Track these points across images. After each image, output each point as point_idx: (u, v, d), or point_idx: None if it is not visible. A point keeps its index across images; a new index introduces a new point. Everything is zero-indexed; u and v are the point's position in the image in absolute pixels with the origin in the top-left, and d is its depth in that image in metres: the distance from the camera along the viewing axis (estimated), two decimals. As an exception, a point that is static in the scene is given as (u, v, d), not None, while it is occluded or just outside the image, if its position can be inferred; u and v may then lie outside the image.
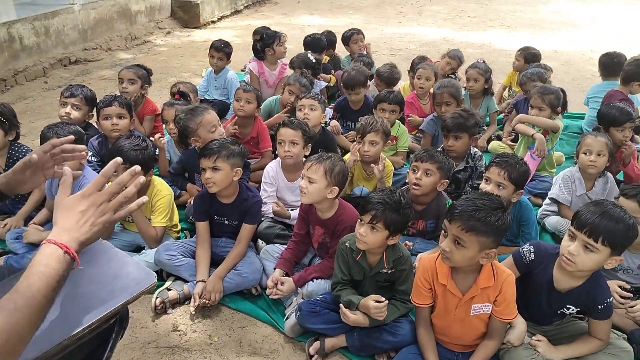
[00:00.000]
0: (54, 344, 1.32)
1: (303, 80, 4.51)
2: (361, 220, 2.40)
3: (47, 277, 1.17)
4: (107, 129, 3.63)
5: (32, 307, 1.13)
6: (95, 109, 3.83)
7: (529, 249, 2.37)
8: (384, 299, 2.38)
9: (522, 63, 5.61)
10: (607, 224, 2.09)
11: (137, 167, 1.44)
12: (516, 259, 2.40)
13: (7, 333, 1.08)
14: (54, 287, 1.18)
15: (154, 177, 3.14)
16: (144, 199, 1.44)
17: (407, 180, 3.19)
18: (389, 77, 4.92)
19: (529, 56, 5.58)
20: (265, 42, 5.34)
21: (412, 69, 5.15)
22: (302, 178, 2.78)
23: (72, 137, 1.87)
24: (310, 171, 2.73)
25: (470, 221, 2.01)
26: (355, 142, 3.46)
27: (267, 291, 2.80)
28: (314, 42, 5.77)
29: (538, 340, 2.33)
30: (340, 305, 2.47)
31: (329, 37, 6.27)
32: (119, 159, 1.46)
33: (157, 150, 3.77)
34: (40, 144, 3.10)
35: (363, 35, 6.16)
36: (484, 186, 2.99)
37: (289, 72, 5.33)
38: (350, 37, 6.10)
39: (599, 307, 2.26)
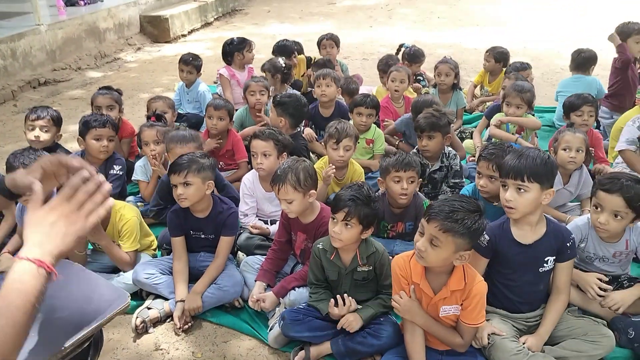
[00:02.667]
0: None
1: (259, 78, 4.71)
2: (334, 219, 2.41)
3: (24, 294, 1.13)
4: (96, 149, 3.58)
5: (13, 325, 1.11)
6: (60, 128, 3.81)
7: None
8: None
9: (492, 63, 5.73)
10: (526, 163, 2.33)
11: (102, 176, 1.37)
12: (475, 247, 2.41)
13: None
14: (33, 303, 1.15)
15: (115, 202, 3.03)
16: (111, 201, 1.37)
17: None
18: (347, 89, 4.94)
19: (498, 55, 5.69)
20: (235, 46, 5.48)
21: (385, 71, 5.16)
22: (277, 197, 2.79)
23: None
24: (281, 194, 2.73)
25: (448, 222, 2.03)
26: (328, 169, 3.39)
27: (250, 305, 2.77)
28: (281, 48, 5.80)
29: (524, 343, 2.35)
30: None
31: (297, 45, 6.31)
32: (85, 173, 1.39)
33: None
34: (7, 173, 3.01)
35: (334, 42, 6.18)
36: (477, 181, 3.08)
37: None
38: (320, 42, 6.16)
39: (567, 244, 2.42)
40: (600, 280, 2.55)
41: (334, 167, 3.41)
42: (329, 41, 6.12)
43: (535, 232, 2.41)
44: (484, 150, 3.13)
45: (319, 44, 6.20)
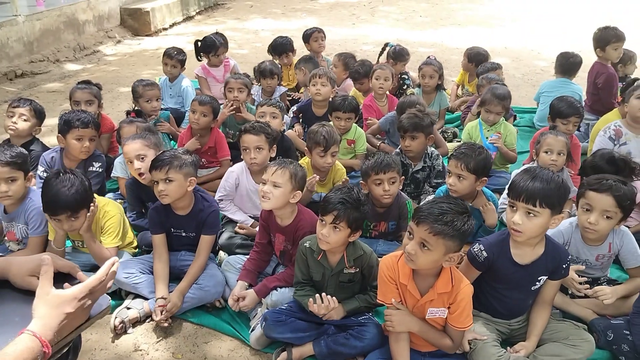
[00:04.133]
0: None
1: (238, 75, 4.71)
2: (322, 221, 2.39)
3: None
4: (77, 150, 3.49)
5: None
6: (41, 122, 3.73)
7: (479, 248, 2.41)
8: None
9: (465, 62, 5.82)
10: (540, 187, 2.21)
11: (115, 259, 1.47)
12: (471, 259, 2.43)
13: None
14: None
15: (98, 198, 2.98)
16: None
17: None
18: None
19: (471, 56, 5.76)
20: (204, 48, 5.56)
21: (357, 79, 5.17)
22: (264, 184, 2.74)
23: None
24: (275, 176, 2.70)
25: (438, 225, 2.02)
26: (312, 179, 3.34)
27: (230, 304, 2.74)
28: (276, 47, 5.84)
29: (517, 352, 2.37)
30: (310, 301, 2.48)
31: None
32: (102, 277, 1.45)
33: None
34: None
35: (324, 34, 6.16)
36: (447, 179, 3.10)
37: (232, 62, 5.76)
38: (311, 35, 6.09)
39: (563, 265, 2.39)
40: (577, 273, 2.59)
41: (317, 177, 3.39)
42: (319, 34, 6.08)
43: (534, 253, 2.37)
44: (456, 149, 3.16)
45: (306, 37, 6.14)
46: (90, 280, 1.36)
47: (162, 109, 4.97)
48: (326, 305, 2.43)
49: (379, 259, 2.99)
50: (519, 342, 2.42)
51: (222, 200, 3.41)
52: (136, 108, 4.02)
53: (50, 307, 1.30)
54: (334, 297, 2.45)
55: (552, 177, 2.26)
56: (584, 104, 4.84)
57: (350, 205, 2.36)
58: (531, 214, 2.23)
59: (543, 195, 2.20)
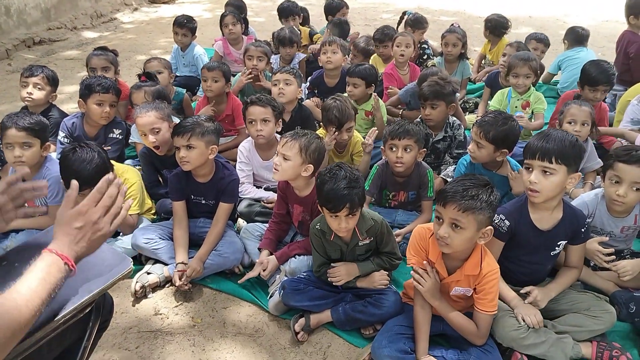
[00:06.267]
0: (25, 339, 1.26)
1: (259, 43, 4.59)
2: (336, 216, 2.32)
3: (47, 283, 1.23)
4: (98, 115, 3.51)
5: (30, 308, 1.18)
6: (55, 88, 3.75)
7: (500, 218, 2.37)
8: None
9: (485, 32, 5.68)
10: (555, 144, 2.22)
11: (110, 175, 1.46)
12: (494, 232, 2.38)
13: (3, 331, 1.12)
14: (50, 293, 1.24)
15: (117, 165, 3.00)
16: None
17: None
18: (364, 49, 4.82)
19: (489, 23, 5.62)
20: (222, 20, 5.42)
21: (381, 41, 5.03)
22: (277, 155, 2.71)
23: (27, 170, 1.84)
24: (285, 148, 2.67)
25: (465, 200, 1.99)
26: (332, 135, 3.37)
27: (256, 271, 2.71)
28: (283, 10, 5.78)
29: (528, 293, 2.32)
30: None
31: (304, 12, 6.18)
32: (110, 175, 1.45)
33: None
34: (1, 135, 2.94)
35: (347, 7, 6.10)
36: (469, 146, 3.06)
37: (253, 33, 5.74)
38: (339, 9, 6.01)
39: (582, 230, 2.37)
40: (601, 244, 2.54)
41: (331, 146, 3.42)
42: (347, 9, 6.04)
43: (553, 217, 2.35)
44: (482, 116, 3.11)
45: (330, 8, 6.05)
46: (91, 195, 1.39)
47: (176, 77, 4.95)
48: (338, 268, 2.45)
49: (398, 228, 3.02)
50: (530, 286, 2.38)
51: (243, 183, 3.32)
52: (147, 71, 3.98)
53: (59, 225, 1.35)
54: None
55: (565, 136, 2.26)
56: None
57: (355, 189, 2.29)
58: (547, 172, 2.22)
59: (558, 152, 2.20)
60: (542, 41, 5.22)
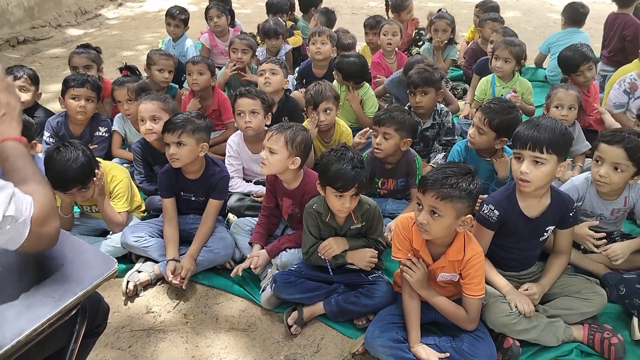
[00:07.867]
0: (7, 345, 1.24)
1: (243, 35, 4.57)
2: (341, 195, 2.36)
3: (28, 157, 1.45)
4: (73, 109, 3.47)
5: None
6: (38, 86, 3.72)
7: (489, 208, 2.36)
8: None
9: (476, 18, 5.65)
10: (546, 133, 2.20)
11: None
12: (482, 221, 2.38)
13: (51, 200, 1.37)
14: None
15: (104, 163, 2.97)
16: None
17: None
18: (342, 43, 4.79)
19: (482, 11, 5.56)
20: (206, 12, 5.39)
21: (372, 27, 4.99)
22: (263, 149, 2.70)
23: None
24: (270, 141, 2.65)
25: (444, 189, 1.99)
26: (310, 117, 3.37)
27: (245, 265, 2.70)
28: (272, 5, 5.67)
29: (526, 290, 2.32)
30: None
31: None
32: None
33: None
34: None
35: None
36: (470, 129, 3.04)
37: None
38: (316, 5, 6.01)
39: (570, 214, 2.37)
40: (591, 229, 2.55)
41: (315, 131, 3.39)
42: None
43: (541, 204, 2.35)
44: (487, 102, 3.08)
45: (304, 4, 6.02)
46: None
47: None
48: (328, 241, 2.49)
49: (389, 218, 3.02)
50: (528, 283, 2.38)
51: (232, 177, 3.29)
52: (128, 65, 3.92)
53: None
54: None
55: (555, 124, 2.25)
56: (599, 55, 4.72)
57: (361, 169, 2.35)
58: (538, 162, 2.21)
59: (549, 142, 2.19)
60: (497, 20, 5.18)
